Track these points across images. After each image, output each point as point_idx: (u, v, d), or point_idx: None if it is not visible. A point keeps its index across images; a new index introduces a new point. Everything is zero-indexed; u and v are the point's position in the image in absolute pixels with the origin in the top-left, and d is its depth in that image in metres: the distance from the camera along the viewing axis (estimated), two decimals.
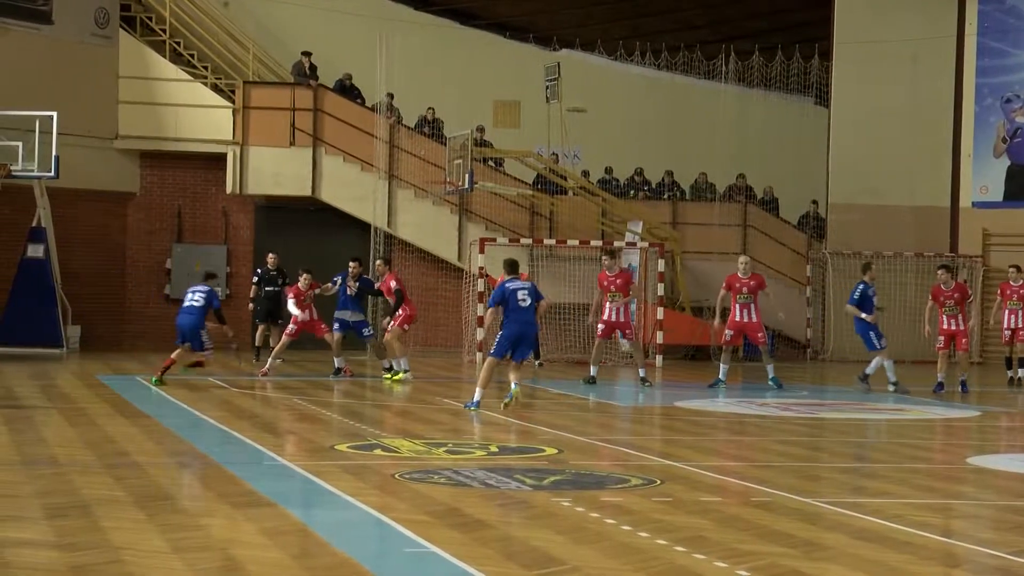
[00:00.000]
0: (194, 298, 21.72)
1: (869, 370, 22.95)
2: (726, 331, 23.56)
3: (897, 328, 32.33)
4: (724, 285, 23.65)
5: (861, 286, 23.02)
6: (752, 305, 23.38)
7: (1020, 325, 25.02)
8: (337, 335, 24.09)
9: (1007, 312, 25.24)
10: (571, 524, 9.92)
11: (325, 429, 16.20)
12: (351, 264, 24.29)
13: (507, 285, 18.77)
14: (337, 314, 24.12)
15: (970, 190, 33.53)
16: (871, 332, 22.76)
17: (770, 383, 23.09)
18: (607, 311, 23.45)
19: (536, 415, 18.85)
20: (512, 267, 19.40)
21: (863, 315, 22.78)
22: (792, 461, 14.39)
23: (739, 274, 23.50)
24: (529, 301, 18.55)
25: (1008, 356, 25.59)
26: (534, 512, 10.40)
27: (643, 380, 23.36)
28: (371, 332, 24.59)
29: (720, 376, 23.08)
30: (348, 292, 23.99)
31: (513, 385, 18.39)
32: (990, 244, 33.28)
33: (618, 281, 23.51)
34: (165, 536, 9.14)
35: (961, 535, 10.21)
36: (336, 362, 23.85)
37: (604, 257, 24.33)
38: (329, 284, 24.29)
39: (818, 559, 8.91)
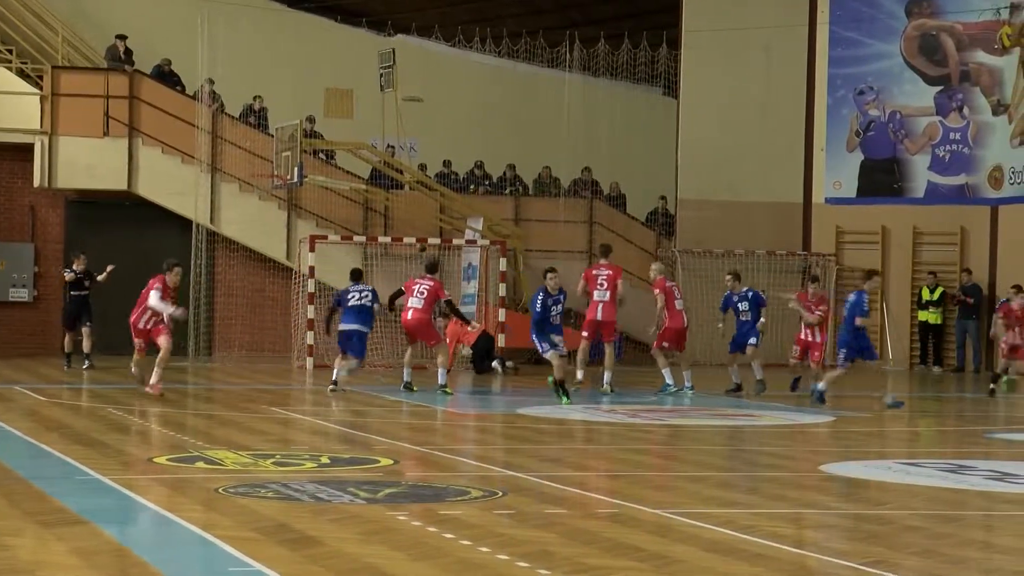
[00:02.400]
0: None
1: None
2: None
3: None
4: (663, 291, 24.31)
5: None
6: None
7: (817, 339, 24.21)
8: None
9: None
10: (408, 539, 9.92)
11: (143, 440, 15.99)
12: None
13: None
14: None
15: (823, 185, 34.17)
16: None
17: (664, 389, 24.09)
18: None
19: (371, 424, 18.81)
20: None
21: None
22: (641, 470, 14.55)
23: (668, 281, 24.51)
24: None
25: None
26: (368, 527, 10.38)
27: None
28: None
29: (669, 380, 24.08)
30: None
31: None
32: (843, 242, 33.95)
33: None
34: None
35: (814, 545, 10.41)
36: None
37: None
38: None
39: (668, 573, 9.02)
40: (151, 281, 20.83)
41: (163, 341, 20.66)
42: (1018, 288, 24.97)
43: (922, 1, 33.74)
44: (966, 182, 33.18)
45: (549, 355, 21.74)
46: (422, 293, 22.92)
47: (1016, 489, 13.40)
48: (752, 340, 23.93)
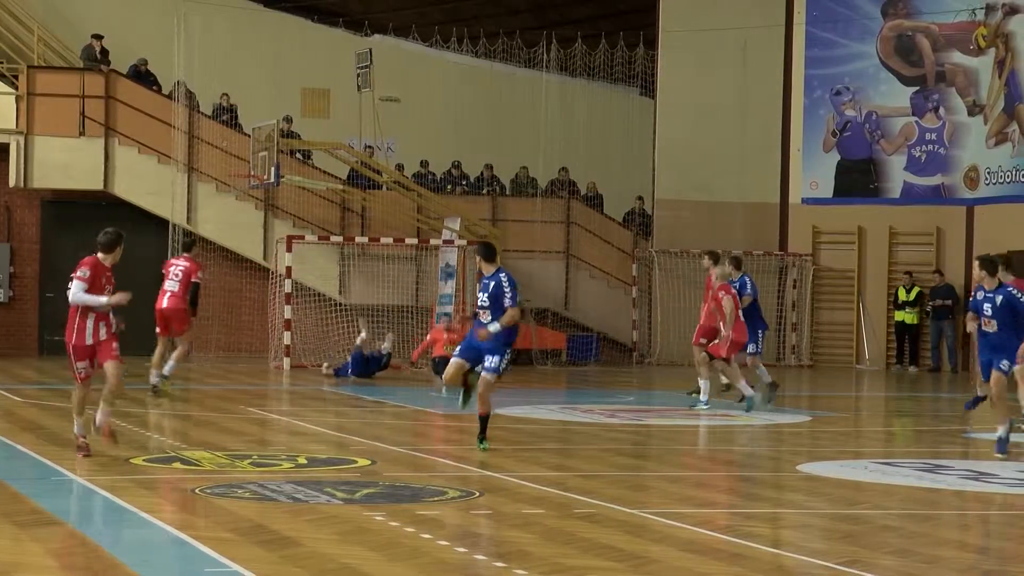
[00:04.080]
0: None
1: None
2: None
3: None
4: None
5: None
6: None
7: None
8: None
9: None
10: (385, 540, 9.92)
11: (119, 441, 15.93)
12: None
13: None
14: None
15: (800, 186, 34.23)
16: None
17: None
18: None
19: (348, 424, 18.80)
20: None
21: None
22: (617, 470, 14.56)
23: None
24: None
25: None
26: (345, 527, 10.37)
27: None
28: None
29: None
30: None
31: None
32: (820, 242, 34.02)
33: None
34: None
35: (791, 545, 10.43)
36: None
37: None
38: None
39: (645, 572, 9.03)
40: (76, 269, 14.57)
41: (111, 369, 14.24)
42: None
43: (898, 2, 33.83)
44: (942, 182, 33.27)
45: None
46: (177, 275, 21.81)
47: (992, 489, 13.44)
48: (751, 348, 21.48)
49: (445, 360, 25.09)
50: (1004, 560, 9.90)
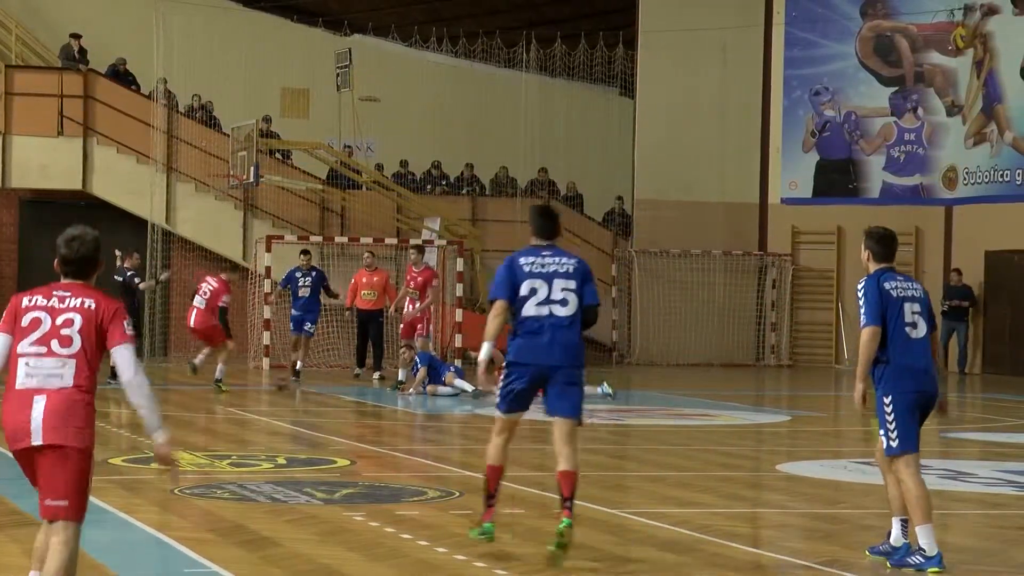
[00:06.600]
0: None
1: None
2: None
3: (705, 330, 32.99)
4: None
5: None
6: None
7: None
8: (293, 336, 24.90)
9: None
10: (365, 540, 9.91)
11: (98, 442, 15.82)
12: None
13: None
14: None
15: (779, 186, 34.29)
16: None
17: None
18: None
19: (327, 424, 18.78)
20: None
21: None
22: (596, 470, 14.56)
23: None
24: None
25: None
26: (325, 528, 10.37)
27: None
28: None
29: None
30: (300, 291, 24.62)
31: None
32: (799, 242, 34.08)
33: (419, 279, 23.98)
34: None
35: (770, 545, 10.45)
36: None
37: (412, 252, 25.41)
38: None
39: (624, 572, 9.04)
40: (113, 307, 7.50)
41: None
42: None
43: (876, 2, 33.91)
44: (921, 182, 33.36)
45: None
46: (206, 293, 22.33)
47: (971, 488, 13.48)
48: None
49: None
50: (983, 559, 9.92)
